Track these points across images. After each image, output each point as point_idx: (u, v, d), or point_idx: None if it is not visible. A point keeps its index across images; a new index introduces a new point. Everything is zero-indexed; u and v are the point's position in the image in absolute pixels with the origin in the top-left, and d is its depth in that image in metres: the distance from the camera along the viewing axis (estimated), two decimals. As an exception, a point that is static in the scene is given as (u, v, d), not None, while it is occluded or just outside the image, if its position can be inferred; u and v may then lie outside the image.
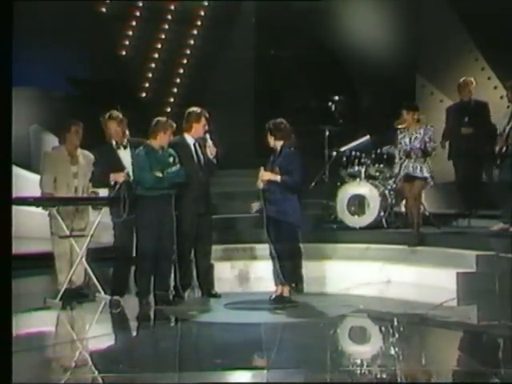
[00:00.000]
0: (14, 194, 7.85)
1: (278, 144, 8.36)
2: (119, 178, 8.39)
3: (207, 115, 8.61)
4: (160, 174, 8.25)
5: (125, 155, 8.60)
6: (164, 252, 8.38)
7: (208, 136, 8.60)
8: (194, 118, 8.57)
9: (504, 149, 9.47)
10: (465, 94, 10.68)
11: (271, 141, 8.38)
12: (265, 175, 8.20)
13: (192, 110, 8.61)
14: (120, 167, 8.48)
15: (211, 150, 8.55)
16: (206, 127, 8.59)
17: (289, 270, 8.37)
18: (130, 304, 8.44)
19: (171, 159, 8.39)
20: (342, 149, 11.49)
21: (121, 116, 8.67)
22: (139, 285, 8.48)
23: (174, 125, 8.49)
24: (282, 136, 8.36)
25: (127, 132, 8.71)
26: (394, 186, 10.82)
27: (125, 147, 8.61)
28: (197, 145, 8.59)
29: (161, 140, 8.37)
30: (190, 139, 8.59)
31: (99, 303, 8.44)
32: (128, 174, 8.42)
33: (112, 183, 8.43)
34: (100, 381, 5.76)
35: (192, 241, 8.57)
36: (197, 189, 8.50)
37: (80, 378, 5.85)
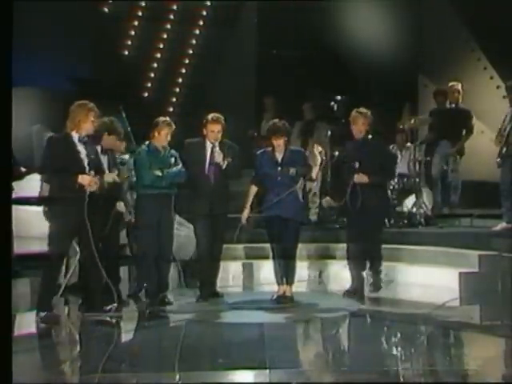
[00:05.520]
0: (15, 194, 7.91)
1: (283, 143, 8.38)
2: (86, 182, 7.52)
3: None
4: (159, 173, 8.22)
5: (83, 151, 7.66)
6: (163, 252, 8.37)
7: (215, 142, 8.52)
8: (210, 123, 8.50)
9: (505, 149, 9.46)
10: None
11: (277, 141, 8.38)
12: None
13: (211, 116, 8.53)
14: (81, 166, 7.59)
15: (217, 156, 8.45)
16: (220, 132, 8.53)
17: (294, 269, 8.45)
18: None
19: (172, 159, 8.40)
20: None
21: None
22: (141, 285, 8.50)
23: (173, 125, 8.43)
24: (287, 135, 8.42)
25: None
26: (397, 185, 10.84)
27: (81, 142, 7.66)
28: (214, 149, 8.51)
29: (160, 139, 8.35)
30: (208, 143, 8.54)
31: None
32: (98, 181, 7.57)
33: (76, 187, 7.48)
34: (101, 381, 5.75)
35: (209, 242, 8.53)
36: (205, 192, 8.45)
37: (80, 378, 5.84)
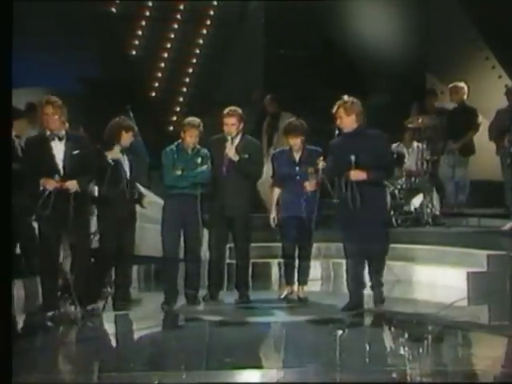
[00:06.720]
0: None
1: (300, 142, 8.33)
2: (50, 185, 7.44)
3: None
4: (179, 172, 8.11)
5: (59, 149, 7.60)
6: (189, 251, 8.30)
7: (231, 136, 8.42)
8: (224, 117, 8.36)
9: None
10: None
11: (293, 140, 8.34)
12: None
13: (226, 110, 8.43)
14: (52, 164, 7.54)
15: (228, 150, 8.36)
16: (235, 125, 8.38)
17: (308, 269, 8.49)
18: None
19: (199, 160, 8.24)
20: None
21: (60, 102, 7.61)
22: (163, 284, 8.50)
23: (200, 125, 8.21)
24: (304, 134, 8.38)
25: (66, 124, 7.76)
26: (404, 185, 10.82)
27: (60, 139, 7.60)
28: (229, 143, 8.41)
29: (186, 139, 8.21)
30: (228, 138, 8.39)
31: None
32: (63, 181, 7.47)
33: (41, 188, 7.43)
34: (104, 380, 5.74)
35: (222, 242, 8.50)
36: (219, 189, 8.34)
37: (82, 377, 5.83)
